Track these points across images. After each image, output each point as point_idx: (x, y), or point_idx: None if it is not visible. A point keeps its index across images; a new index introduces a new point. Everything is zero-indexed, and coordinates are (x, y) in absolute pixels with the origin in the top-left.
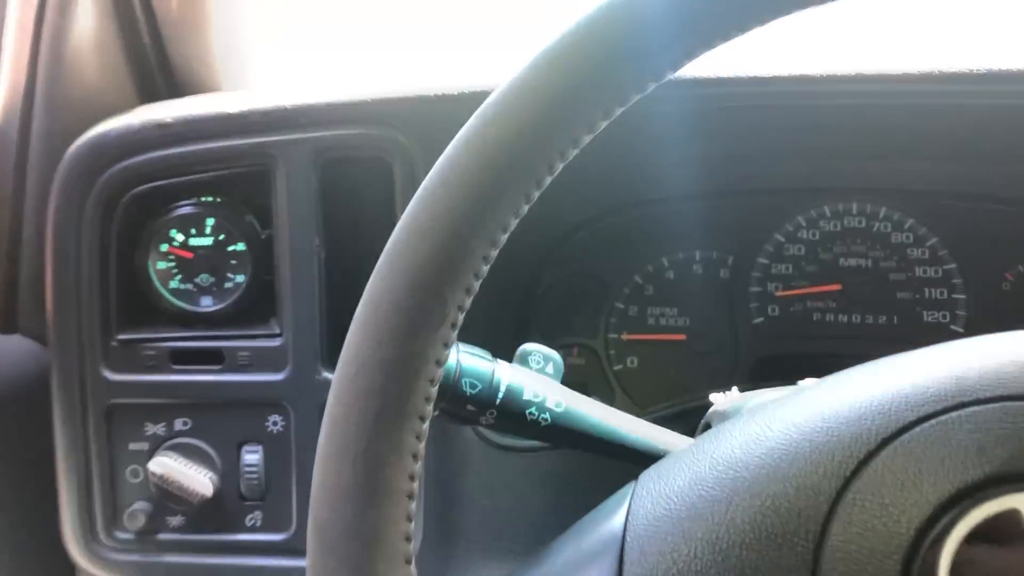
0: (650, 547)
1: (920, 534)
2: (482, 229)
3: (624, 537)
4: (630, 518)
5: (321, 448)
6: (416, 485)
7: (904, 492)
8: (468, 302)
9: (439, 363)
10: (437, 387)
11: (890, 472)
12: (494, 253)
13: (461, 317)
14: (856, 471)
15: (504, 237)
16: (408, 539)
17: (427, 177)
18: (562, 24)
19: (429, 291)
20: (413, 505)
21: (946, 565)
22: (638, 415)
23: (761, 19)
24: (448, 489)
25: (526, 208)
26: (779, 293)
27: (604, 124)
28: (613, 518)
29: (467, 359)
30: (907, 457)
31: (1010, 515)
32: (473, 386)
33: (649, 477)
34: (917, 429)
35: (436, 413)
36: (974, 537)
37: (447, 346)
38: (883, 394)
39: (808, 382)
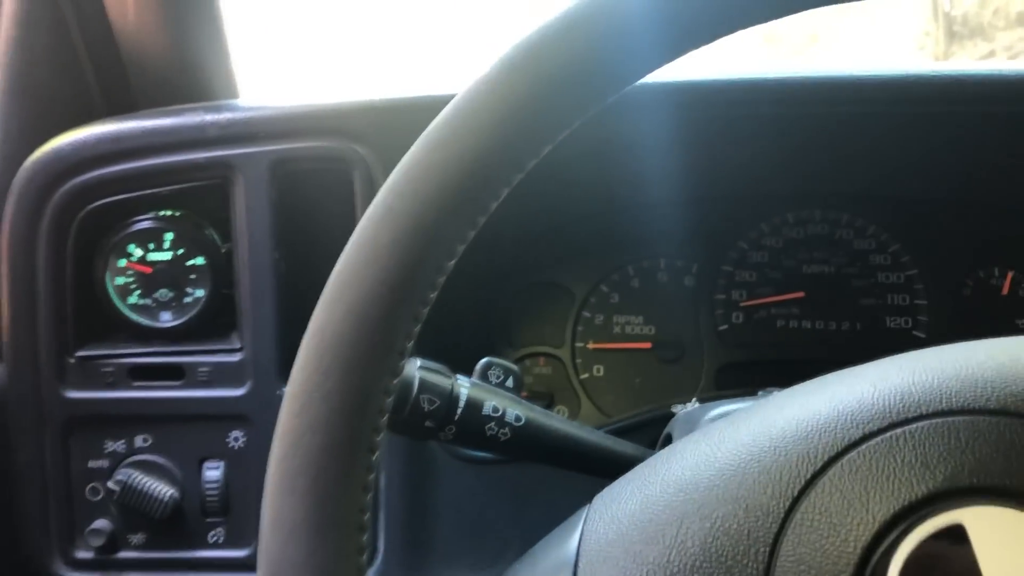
0: (602, 572)
1: (867, 551)
2: (429, 258)
3: (577, 562)
4: (583, 542)
5: (268, 483)
6: (367, 518)
7: (851, 510)
8: (416, 329)
9: (387, 392)
10: (386, 418)
11: (837, 490)
12: (442, 279)
13: (410, 345)
14: (804, 490)
15: (451, 264)
16: (360, 571)
17: (372, 204)
18: (517, 37)
19: (375, 322)
20: (364, 537)
21: None
22: (605, 423)
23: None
24: (413, 501)
25: (473, 233)
26: (743, 303)
27: (546, 150)
28: (567, 542)
29: (426, 375)
30: (853, 475)
31: (955, 530)
32: (432, 402)
33: (602, 500)
34: (863, 446)
35: (395, 430)
36: (921, 553)
37: (395, 375)
38: (829, 412)
39: (769, 392)
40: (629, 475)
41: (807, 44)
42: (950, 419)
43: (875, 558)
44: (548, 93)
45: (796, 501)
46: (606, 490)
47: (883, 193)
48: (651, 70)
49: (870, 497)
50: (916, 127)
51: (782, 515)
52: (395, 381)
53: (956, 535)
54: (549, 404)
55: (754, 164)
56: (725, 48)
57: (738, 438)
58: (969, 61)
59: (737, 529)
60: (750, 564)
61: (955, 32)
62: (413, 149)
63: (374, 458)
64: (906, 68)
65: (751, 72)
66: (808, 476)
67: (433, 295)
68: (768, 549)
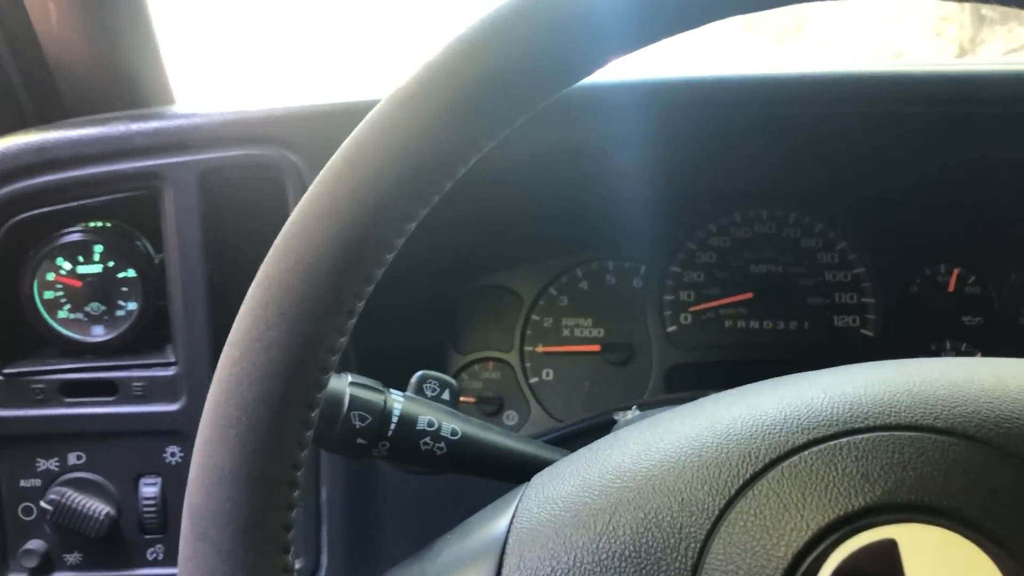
0: (530, 552)
1: (798, 559)
2: (388, 213)
3: (506, 540)
4: (515, 521)
5: (201, 430)
6: (300, 475)
7: (787, 514)
8: (368, 289)
9: (332, 350)
10: (329, 374)
11: (775, 494)
12: (400, 240)
13: (360, 306)
14: (741, 490)
15: (411, 225)
16: (287, 528)
17: (331, 159)
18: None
19: (325, 276)
20: (296, 494)
21: None
22: (553, 427)
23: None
24: (355, 513)
25: (436, 197)
26: (692, 308)
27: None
28: (498, 520)
29: (356, 391)
30: (793, 480)
31: (887, 545)
32: (363, 418)
33: (540, 480)
34: (806, 452)
35: (325, 448)
36: (851, 565)
37: (342, 334)
38: (776, 414)
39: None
40: (570, 458)
41: (791, 31)
42: (896, 434)
43: (804, 565)
44: (502, 75)
45: (732, 500)
46: (545, 471)
47: (831, 192)
48: (598, 66)
49: (807, 504)
50: (863, 127)
51: (716, 513)
52: (341, 340)
53: (888, 550)
54: (498, 409)
55: (702, 164)
56: (697, 35)
57: (682, 431)
58: (922, 60)
59: (670, 522)
60: (679, 559)
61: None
62: (378, 107)
63: (312, 415)
64: (850, 67)
65: (695, 72)
66: (747, 476)
67: (389, 256)
68: (699, 546)
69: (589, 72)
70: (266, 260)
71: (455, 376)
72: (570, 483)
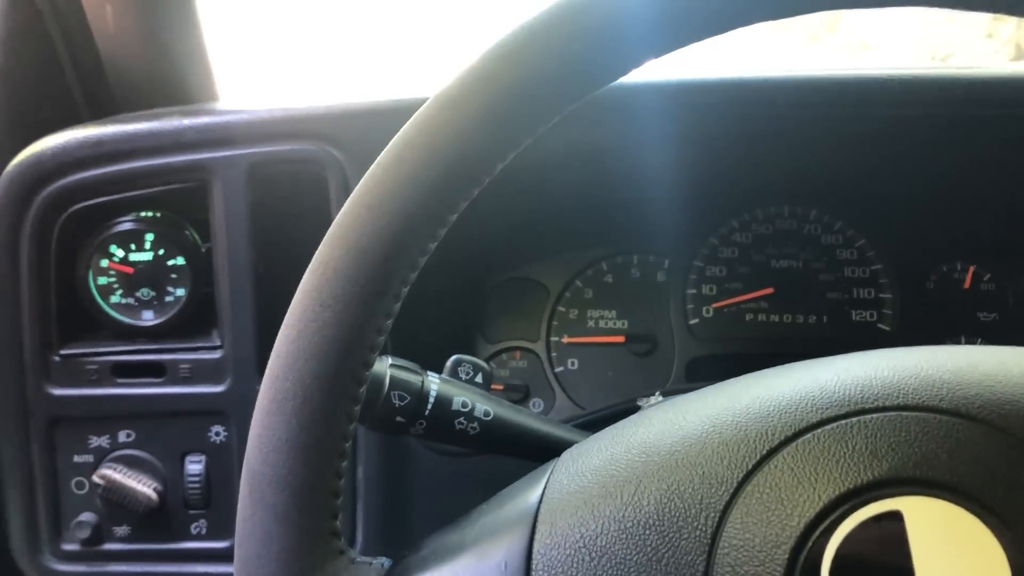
0: (561, 520)
1: (809, 528)
2: (434, 205)
3: (539, 509)
4: (547, 492)
5: (259, 403)
6: (348, 445)
7: (800, 488)
8: (413, 276)
9: (380, 331)
10: (376, 353)
11: (789, 468)
12: (442, 231)
13: (405, 291)
14: (758, 464)
15: (453, 217)
16: (336, 495)
17: (384, 151)
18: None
19: (375, 262)
20: (344, 464)
21: (829, 558)
22: (578, 415)
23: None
24: (390, 493)
25: (477, 191)
26: (715, 304)
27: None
28: (531, 491)
29: (396, 372)
30: (806, 456)
31: (894, 516)
32: (402, 398)
33: (570, 455)
34: (819, 430)
35: (366, 425)
36: (859, 534)
37: (389, 316)
38: (792, 395)
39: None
40: (598, 435)
41: (825, 31)
42: (904, 414)
43: (815, 534)
44: (543, 70)
45: (750, 474)
46: (575, 446)
47: (850, 190)
48: (628, 70)
49: (819, 478)
50: (883, 127)
51: (735, 485)
52: (388, 321)
53: (893, 521)
54: (525, 397)
55: (725, 163)
56: (728, 36)
57: (703, 410)
58: (934, 63)
59: (691, 494)
60: (699, 528)
61: None
62: (424, 107)
63: (360, 390)
64: (871, 71)
65: (719, 73)
66: (764, 452)
67: (433, 245)
68: (718, 516)
69: (620, 75)
70: (320, 247)
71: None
72: (598, 457)
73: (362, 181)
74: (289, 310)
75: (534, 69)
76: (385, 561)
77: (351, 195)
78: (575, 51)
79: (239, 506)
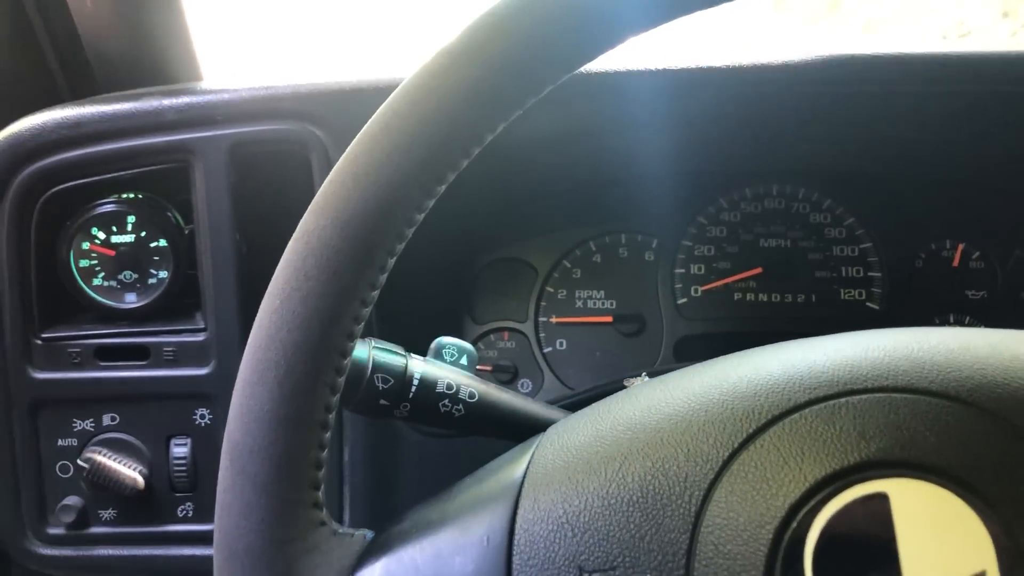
0: (544, 495)
1: (794, 508)
2: (421, 175)
3: (523, 483)
4: (531, 467)
5: (241, 373)
6: (331, 417)
7: (785, 468)
8: (400, 247)
9: (364, 303)
10: (361, 325)
11: (775, 448)
12: (430, 202)
13: (391, 262)
14: (744, 443)
15: (441, 188)
16: (318, 466)
17: (369, 122)
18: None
19: (361, 233)
20: (327, 435)
21: (813, 539)
22: (566, 395)
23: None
24: (376, 474)
25: (465, 162)
26: (704, 287)
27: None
28: (515, 466)
29: (379, 354)
30: (793, 435)
31: (879, 498)
32: (386, 381)
33: (555, 431)
34: (806, 410)
35: (350, 409)
36: (844, 515)
37: (374, 287)
38: (780, 374)
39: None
40: (584, 411)
41: (825, 12)
42: (892, 395)
43: (800, 515)
44: (528, 43)
45: (735, 453)
46: (561, 422)
47: (838, 168)
48: (596, 56)
49: (805, 458)
50: (870, 105)
51: (720, 464)
52: (373, 293)
53: (879, 503)
54: (513, 377)
55: (713, 141)
56: (730, 15)
57: (690, 388)
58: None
59: (676, 471)
60: (683, 506)
61: None
62: (413, 75)
63: (345, 361)
64: (857, 49)
65: (711, 56)
66: (751, 431)
67: (420, 216)
68: (702, 494)
69: (612, 47)
70: (305, 216)
71: (472, 345)
72: (583, 433)
73: (348, 150)
74: (272, 280)
75: (526, 38)
76: (368, 533)
77: (336, 164)
78: (566, 21)
79: (220, 476)
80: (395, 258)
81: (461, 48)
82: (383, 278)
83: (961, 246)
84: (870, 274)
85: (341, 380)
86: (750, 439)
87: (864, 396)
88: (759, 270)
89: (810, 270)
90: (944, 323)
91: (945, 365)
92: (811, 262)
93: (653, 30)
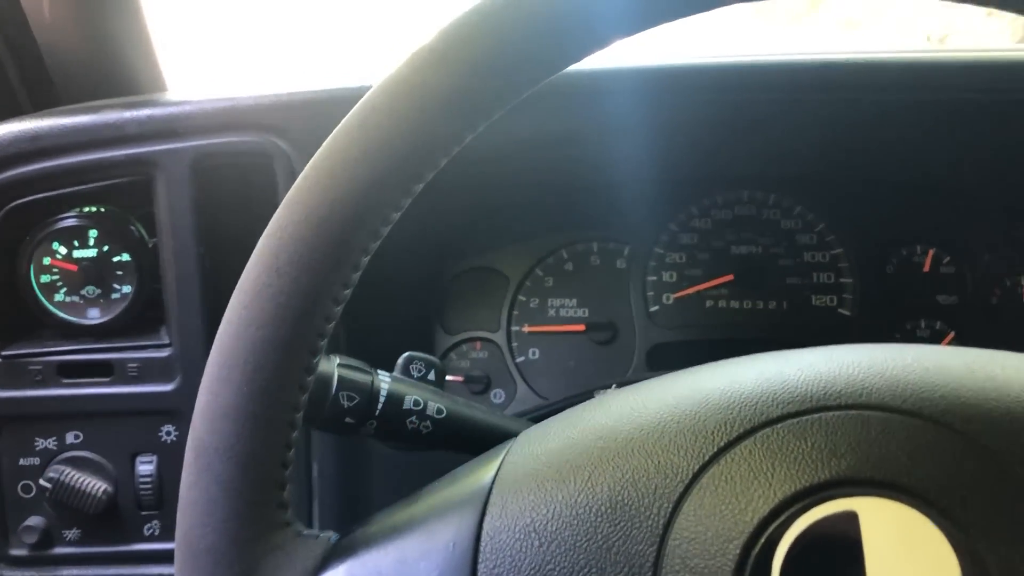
0: (512, 503)
1: (763, 524)
2: (398, 170)
3: (491, 490)
4: (500, 473)
5: (208, 370)
6: (299, 416)
7: (756, 482)
8: (374, 246)
9: (337, 301)
10: (332, 324)
11: (746, 462)
12: (407, 201)
13: (364, 261)
14: (715, 456)
15: (418, 187)
16: (284, 466)
17: (347, 116)
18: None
19: (336, 229)
20: (294, 435)
21: (781, 555)
22: (539, 406)
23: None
24: (346, 487)
25: (444, 160)
26: (676, 295)
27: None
28: (484, 471)
29: (344, 371)
30: (764, 450)
31: (849, 516)
32: (351, 398)
33: (527, 436)
34: (779, 425)
35: (314, 427)
36: (812, 532)
37: (347, 286)
38: (754, 387)
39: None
40: (556, 417)
41: (808, 9)
42: (865, 413)
43: (769, 531)
44: (500, 51)
45: (706, 465)
46: (533, 428)
47: (809, 174)
48: (579, 58)
49: (775, 473)
50: (840, 111)
51: (690, 476)
52: (346, 292)
53: (848, 521)
54: (486, 388)
55: (684, 148)
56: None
57: (663, 398)
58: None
59: (645, 483)
60: (652, 518)
61: None
62: (393, 70)
63: (315, 360)
64: (827, 54)
65: (680, 59)
66: (722, 444)
67: (396, 215)
68: (671, 506)
69: (595, 50)
70: (278, 212)
71: (443, 356)
72: (554, 440)
73: (324, 145)
74: (243, 275)
75: (510, 36)
76: (332, 535)
77: (312, 159)
78: (551, 21)
79: (183, 473)
80: (369, 257)
81: (443, 45)
82: (356, 277)
83: (932, 251)
84: (841, 280)
85: (311, 379)
86: (721, 452)
87: (837, 413)
88: (730, 277)
89: (781, 276)
90: (915, 328)
91: (919, 384)
92: (782, 268)
93: (638, 33)
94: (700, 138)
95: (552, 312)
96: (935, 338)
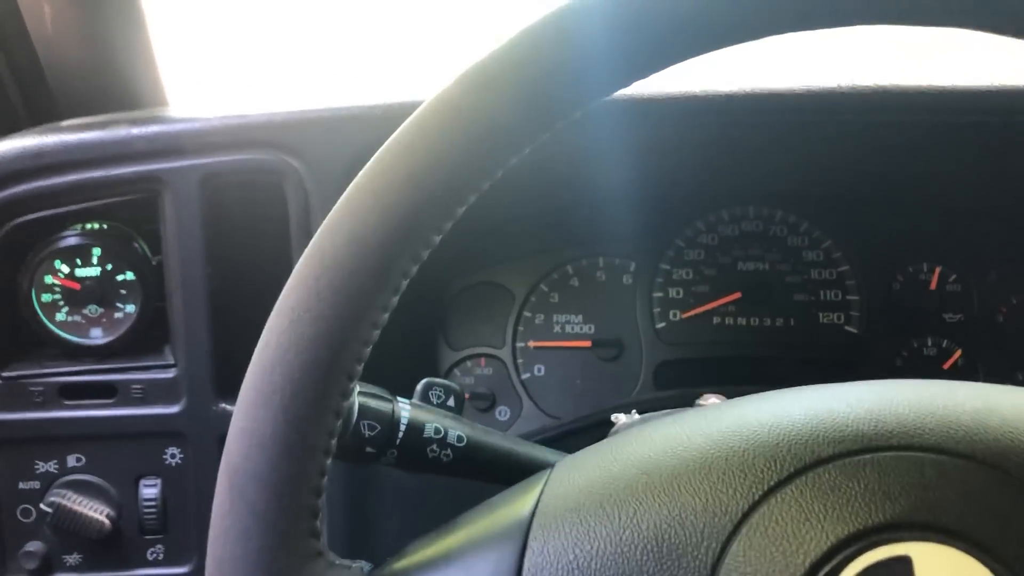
0: (554, 539)
1: (814, 568)
2: (442, 195)
3: (530, 525)
4: (540, 506)
5: (243, 395)
6: (333, 443)
7: (807, 524)
8: (413, 269)
9: (375, 325)
10: (369, 348)
11: (797, 503)
12: (448, 225)
13: (405, 284)
14: (765, 496)
15: (460, 210)
16: (318, 493)
17: (388, 142)
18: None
19: (377, 253)
20: (328, 461)
21: None
22: (546, 424)
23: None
24: (355, 510)
25: (473, 197)
26: (684, 315)
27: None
28: (522, 503)
29: (365, 400)
30: (816, 490)
31: (903, 562)
32: (372, 427)
33: (565, 467)
34: (830, 465)
35: (335, 456)
36: None
37: (386, 310)
38: (804, 424)
39: (709, 400)
40: (595, 448)
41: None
42: (919, 455)
43: (821, 575)
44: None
45: (755, 505)
46: (570, 457)
47: (816, 191)
48: (615, 89)
49: (827, 515)
50: (847, 132)
51: (739, 516)
52: (384, 315)
53: (902, 567)
54: (491, 405)
55: (690, 165)
56: None
57: (709, 432)
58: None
59: (693, 521)
60: (699, 558)
61: None
62: (443, 90)
63: (351, 385)
64: (837, 81)
65: (687, 85)
66: (772, 483)
67: (437, 239)
68: (720, 547)
69: (649, 74)
70: (319, 233)
71: (447, 372)
72: (595, 472)
73: (367, 167)
74: (281, 298)
75: (565, 58)
76: (365, 565)
77: (354, 180)
78: (605, 44)
79: (215, 502)
80: (408, 280)
81: (495, 67)
82: (395, 300)
83: (938, 269)
84: (848, 297)
85: (346, 404)
86: (771, 492)
87: (889, 454)
88: (738, 295)
89: (788, 294)
90: (922, 346)
91: (971, 426)
92: (789, 285)
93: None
94: (707, 157)
95: (558, 328)
96: (942, 356)
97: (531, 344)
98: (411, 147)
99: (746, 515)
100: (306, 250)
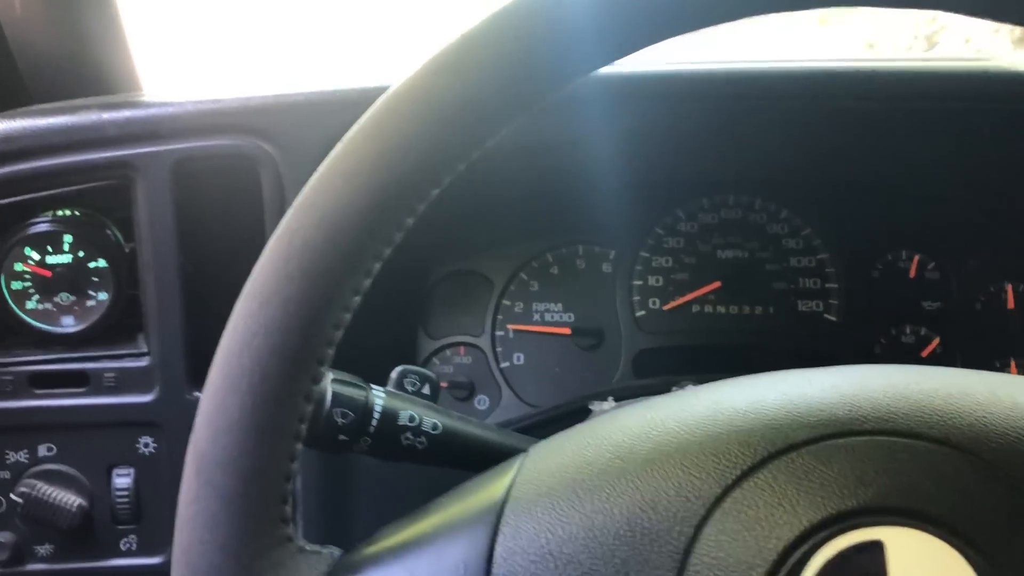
0: (526, 524)
1: (786, 552)
2: (416, 174)
3: (503, 510)
4: (512, 491)
5: (211, 379)
6: (304, 427)
7: (780, 508)
8: (387, 252)
9: (347, 308)
10: (341, 332)
11: (770, 487)
12: (421, 206)
13: (376, 267)
14: (737, 481)
15: (435, 192)
16: (288, 478)
17: (362, 118)
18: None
19: (348, 235)
20: (299, 446)
21: None
22: (525, 413)
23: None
24: (331, 499)
25: (448, 179)
26: (665, 307)
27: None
28: (495, 488)
29: (338, 387)
30: (789, 475)
31: (875, 546)
32: (345, 415)
33: (539, 452)
34: (804, 449)
35: (307, 444)
36: (837, 562)
37: (358, 293)
38: (778, 409)
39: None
40: (569, 432)
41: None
42: (892, 439)
43: (792, 559)
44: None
45: (728, 489)
46: (544, 443)
47: (795, 179)
48: (590, 70)
49: (800, 500)
50: (827, 118)
51: (712, 500)
52: (356, 299)
53: (874, 551)
54: (470, 394)
55: (669, 152)
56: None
57: (683, 416)
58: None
59: (665, 506)
60: (671, 542)
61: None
62: (413, 72)
63: (322, 369)
64: (815, 63)
65: (665, 66)
66: (745, 467)
67: (410, 221)
68: (692, 531)
69: (629, 52)
70: (288, 214)
71: (426, 361)
72: (569, 457)
73: (337, 147)
74: (249, 280)
75: (534, 39)
76: (335, 551)
77: (325, 161)
78: (585, 22)
79: (182, 488)
80: (381, 263)
81: (465, 48)
82: (368, 283)
83: (917, 257)
84: (827, 285)
85: (317, 388)
86: (744, 476)
87: (863, 438)
88: (718, 284)
89: (767, 282)
90: (901, 334)
91: (945, 411)
92: (768, 273)
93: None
94: (685, 142)
95: (537, 316)
96: (920, 344)
97: (510, 332)
98: (381, 126)
99: (719, 499)
100: (275, 232)
